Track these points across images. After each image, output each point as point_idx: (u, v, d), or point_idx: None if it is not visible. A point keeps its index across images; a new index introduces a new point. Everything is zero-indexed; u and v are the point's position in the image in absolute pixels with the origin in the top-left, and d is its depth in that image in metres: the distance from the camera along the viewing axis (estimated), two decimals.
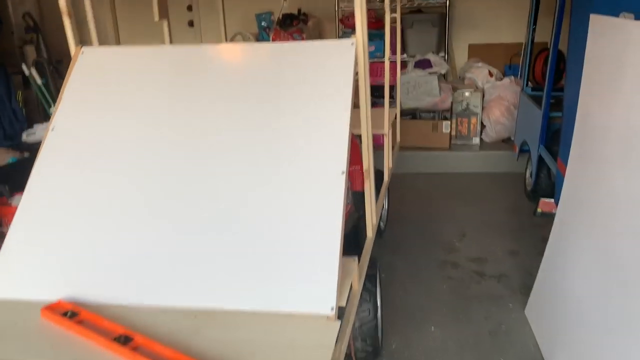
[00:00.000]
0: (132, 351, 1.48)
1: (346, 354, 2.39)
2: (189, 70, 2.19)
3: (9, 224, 4.15)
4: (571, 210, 2.38)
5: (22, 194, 3.05)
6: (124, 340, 1.52)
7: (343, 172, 1.81)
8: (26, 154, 4.46)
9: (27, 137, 4.78)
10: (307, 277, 1.66)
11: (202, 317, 1.62)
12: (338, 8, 5.71)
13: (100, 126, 2.10)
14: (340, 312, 1.61)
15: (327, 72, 2.03)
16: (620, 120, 1.94)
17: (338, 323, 1.58)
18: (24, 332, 1.65)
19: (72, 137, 2.10)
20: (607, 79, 2.09)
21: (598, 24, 2.18)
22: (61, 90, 2.20)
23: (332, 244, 1.68)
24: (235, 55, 2.29)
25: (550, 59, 3.72)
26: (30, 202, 2.00)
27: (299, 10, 5.67)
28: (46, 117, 5.20)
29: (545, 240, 3.35)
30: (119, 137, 2.06)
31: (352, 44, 2.00)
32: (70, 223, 1.92)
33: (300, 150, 1.90)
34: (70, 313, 1.68)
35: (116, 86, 2.21)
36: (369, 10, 5.54)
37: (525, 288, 2.94)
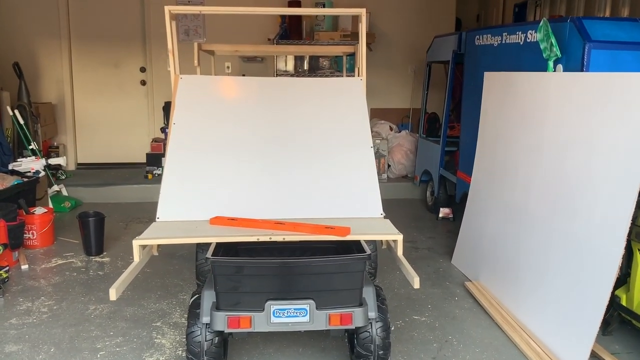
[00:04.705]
0: (292, 227, 2.62)
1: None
2: (253, 90, 3.45)
3: (33, 230, 4.95)
4: (479, 184, 3.94)
5: (36, 207, 4.23)
6: (280, 224, 2.66)
7: (371, 147, 3.17)
8: (24, 179, 5.09)
9: (13, 167, 5.33)
10: (364, 199, 2.96)
11: (310, 220, 2.80)
12: (276, 73, 7.16)
13: (202, 121, 3.23)
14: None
15: (349, 96, 3.43)
16: (505, 131, 3.57)
17: (388, 220, 2.87)
18: (206, 229, 2.68)
19: (187, 128, 3.20)
20: (497, 109, 3.74)
21: (489, 77, 3.86)
22: (172, 99, 3.31)
23: (374, 182, 3.01)
24: (286, 84, 3.60)
25: (444, 114, 5.45)
26: (171, 163, 3.04)
27: (243, 75, 7.01)
28: (23, 151, 5.76)
29: (449, 231, 4.97)
30: (215, 127, 3.20)
31: (361, 79, 3.44)
32: (203, 174, 3.01)
33: (342, 139, 3.23)
34: (230, 219, 2.76)
35: (206, 98, 3.37)
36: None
37: (447, 253, 4.44)
